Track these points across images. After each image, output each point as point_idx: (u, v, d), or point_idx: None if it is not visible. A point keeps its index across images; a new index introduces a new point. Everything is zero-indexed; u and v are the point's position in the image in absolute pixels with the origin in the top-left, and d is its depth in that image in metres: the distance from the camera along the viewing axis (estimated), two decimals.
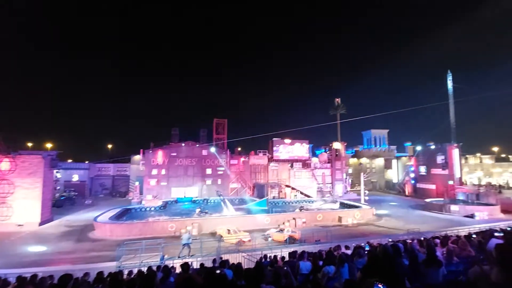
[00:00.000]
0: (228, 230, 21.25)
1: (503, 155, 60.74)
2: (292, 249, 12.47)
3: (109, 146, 65.68)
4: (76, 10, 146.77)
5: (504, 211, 30.83)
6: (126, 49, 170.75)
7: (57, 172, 39.95)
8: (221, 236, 20.16)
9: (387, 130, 66.50)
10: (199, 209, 29.51)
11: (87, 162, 49.05)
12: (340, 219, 27.20)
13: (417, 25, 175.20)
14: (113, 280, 5.66)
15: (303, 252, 8.19)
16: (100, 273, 7.71)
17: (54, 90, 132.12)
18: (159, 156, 40.41)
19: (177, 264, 11.86)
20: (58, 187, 41.79)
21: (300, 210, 30.45)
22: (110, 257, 15.91)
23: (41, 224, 25.38)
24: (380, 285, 2.91)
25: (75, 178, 45.62)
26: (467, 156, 55.25)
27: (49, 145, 44.70)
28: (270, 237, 21.20)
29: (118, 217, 25.68)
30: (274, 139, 47.25)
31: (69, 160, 50.85)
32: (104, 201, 41.41)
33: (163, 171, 40.39)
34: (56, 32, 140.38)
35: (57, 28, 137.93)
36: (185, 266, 6.81)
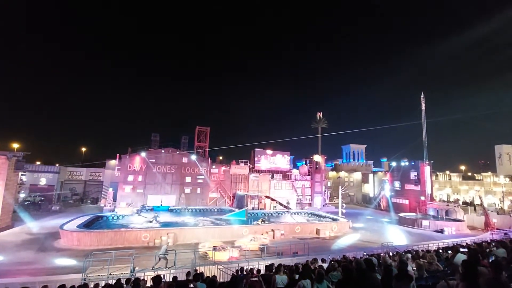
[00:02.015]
0: (214, 247, 18.61)
1: (470, 174, 64.96)
2: (269, 262, 12.33)
3: (83, 149, 62.75)
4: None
5: (469, 226, 32.67)
6: (108, 52, 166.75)
7: (22, 174, 37.29)
8: (206, 254, 18.51)
9: (365, 145, 69.05)
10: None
11: (57, 165, 46.19)
12: (318, 231, 27.43)
13: (398, 46, 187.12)
14: None
15: (280, 265, 8.12)
16: (62, 286, 7.13)
17: (24, 86, 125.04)
18: (137, 161, 38.99)
19: (148, 276, 11.27)
20: (22, 191, 38.84)
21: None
22: (76, 269, 14.87)
23: None
24: None
25: (43, 182, 42.62)
26: (438, 173, 58.41)
27: (15, 145, 41.88)
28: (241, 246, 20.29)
29: (87, 225, 24.18)
30: (256, 149, 47.37)
31: (38, 162, 47.73)
32: (73, 208, 38.97)
33: (140, 178, 38.92)
34: (31, 26, 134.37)
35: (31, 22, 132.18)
36: (157, 279, 6.50)
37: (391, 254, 12.15)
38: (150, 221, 27.65)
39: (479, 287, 3.17)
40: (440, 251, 11.59)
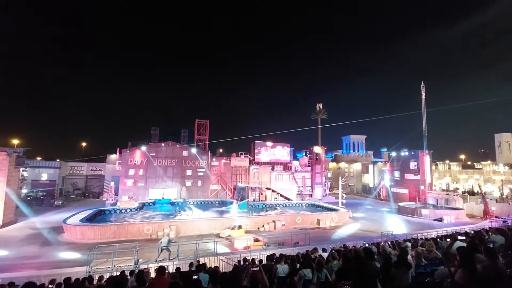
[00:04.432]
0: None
1: (469, 163, 65.19)
2: (270, 252, 12.52)
3: (83, 144, 62.80)
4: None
5: (468, 215, 32.98)
6: (107, 47, 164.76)
7: (23, 170, 37.40)
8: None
9: (365, 136, 69.06)
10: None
11: (58, 160, 46.32)
12: (318, 221, 27.72)
13: (397, 35, 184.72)
14: None
15: (281, 255, 8.25)
16: (67, 279, 7.26)
17: (23, 82, 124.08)
18: (137, 155, 39.07)
19: (152, 268, 11.47)
20: (24, 187, 39.06)
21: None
22: (80, 262, 15.12)
23: (3, 226, 23.62)
24: None
25: (44, 177, 42.86)
26: (437, 162, 58.60)
27: (15, 141, 41.83)
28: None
29: (90, 219, 24.44)
30: (256, 141, 47.37)
31: (38, 158, 47.81)
32: (75, 202, 39.31)
33: (141, 172, 39.08)
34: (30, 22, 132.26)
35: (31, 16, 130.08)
36: (160, 270, 6.59)
37: (389, 243, 12.31)
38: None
39: (477, 273, 3.22)
40: (439, 240, 11.74)
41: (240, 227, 22.78)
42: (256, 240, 19.49)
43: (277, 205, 36.36)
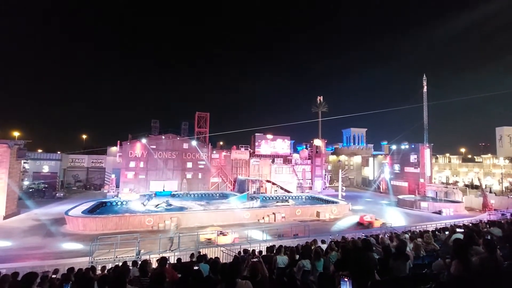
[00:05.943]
0: (221, 232, 18.71)
1: (469, 156, 65.20)
2: (270, 244, 12.67)
3: (84, 136, 62.88)
4: None
5: (467, 208, 33.17)
6: (106, 39, 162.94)
7: (25, 162, 37.57)
8: (210, 240, 17.86)
9: (365, 129, 68.93)
10: (164, 203, 28.99)
11: (59, 152, 46.43)
12: (318, 214, 27.95)
13: (399, 29, 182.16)
14: (81, 278, 5.43)
15: (281, 246, 8.36)
16: (70, 269, 7.39)
17: (23, 73, 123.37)
18: (138, 148, 39.13)
19: (153, 259, 11.64)
20: (26, 179, 39.31)
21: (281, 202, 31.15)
22: (83, 253, 15.33)
23: (5, 218, 23.84)
24: (346, 279, 3.00)
25: (46, 169, 43.06)
26: (437, 155, 58.63)
27: (16, 134, 41.89)
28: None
29: (92, 210, 24.66)
30: (256, 134, 47.32)
31: (39, 150, 47.93)
32: (77, 194, 39.61)
33: (142, 164, 39.22)
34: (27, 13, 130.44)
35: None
36: (162, 260, 6.71)
37: (387, 235, 12.43)
38: (157, 206, 28.13)
39: (471, 264, 3.26)
40: (437, 232, 11.86)
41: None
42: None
43: (289, 197, 36.69)
